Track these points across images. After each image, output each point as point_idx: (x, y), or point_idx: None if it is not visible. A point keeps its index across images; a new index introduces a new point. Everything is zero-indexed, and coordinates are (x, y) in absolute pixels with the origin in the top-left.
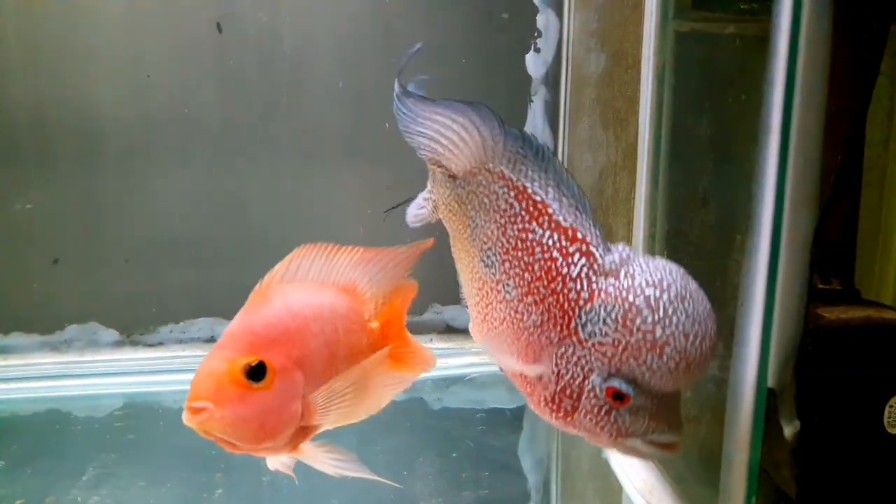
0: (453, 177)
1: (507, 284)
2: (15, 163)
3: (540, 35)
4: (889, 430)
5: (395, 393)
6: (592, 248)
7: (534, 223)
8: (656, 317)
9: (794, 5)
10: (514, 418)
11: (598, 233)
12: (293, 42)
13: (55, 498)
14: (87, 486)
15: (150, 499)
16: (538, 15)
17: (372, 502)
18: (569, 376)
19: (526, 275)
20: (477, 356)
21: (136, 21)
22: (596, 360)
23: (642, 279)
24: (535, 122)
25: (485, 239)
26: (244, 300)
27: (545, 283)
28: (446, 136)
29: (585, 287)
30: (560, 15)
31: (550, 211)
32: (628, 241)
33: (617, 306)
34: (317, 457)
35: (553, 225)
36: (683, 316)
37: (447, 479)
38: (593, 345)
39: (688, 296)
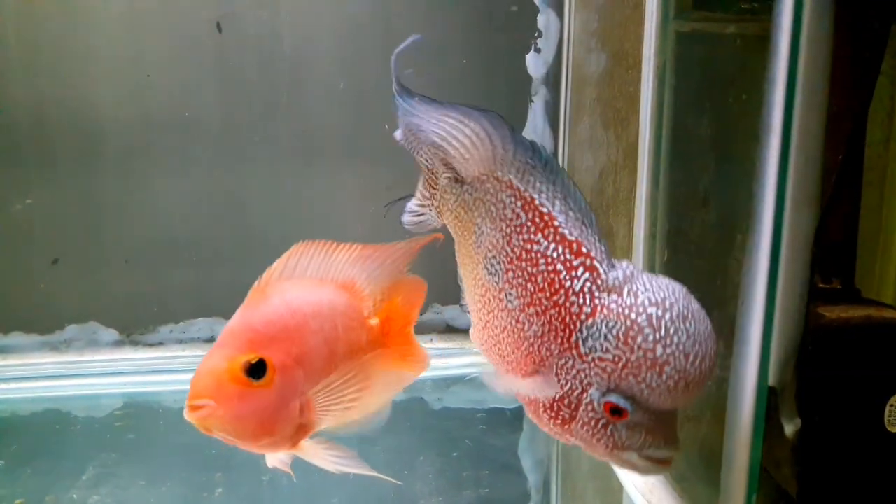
0: (461, 182)
1: (510, 293)
2: (15, 162)
3: (540, 35)
4: (889, 428)
5: (395, 391)
6: (596, 264)
7: (539, 234)
8: (657, 335)
9: (795, 5)
10: (515, 418)
11: (603, 248)
12: (293, 42)
13: (55, 497)
14: (87, 485)
15: (150, 498)
16: (539, 15)
17: (372, 501)
18: (567, 387)
19: (529, 285)
20: (477, 356)
21: (136, 21)
22: (595, 374)
23: (645, 297)
24: (536, 122)
25: (490, 247)
26: (244, 300)
27: (548, 294)
28: (458, 138)
29: (588, 302)
30: (560, 15)
31: (556, 223)
32: (629, 240)
33: (619, 323)
34: (317, 454)
35: (558, 237)
36: (685, 336)
37: (447, 479)
38: (593, 359)
39: (690, 316)
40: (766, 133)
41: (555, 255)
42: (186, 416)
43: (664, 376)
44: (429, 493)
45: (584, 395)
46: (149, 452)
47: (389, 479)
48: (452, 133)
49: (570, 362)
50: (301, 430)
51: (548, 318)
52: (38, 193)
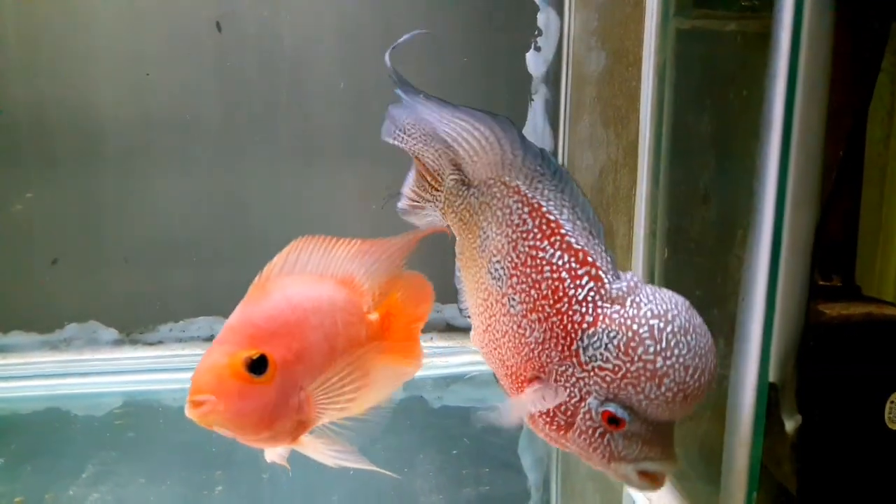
0: (467, 185)
1: (513, 299)
2: (14, 162)
3: (540, 33)
4: (890, 425)
5: (394, 386)
6: (601, 273)
7: (545, 241)
8: (658, 347)
9: (796, 2)
10: None
11: (608, 258)
12: (293, 42)
13: (54, 495)
14: (87, 483)
15: (149, 496)
16: (539, 13)
17: (372, 498)
18: (566, 394)
19: (532, 291)
20: (477, 354)
21: (136, 21)
22: (595, 383)
23: (648, 309)
24: (536, 121)
25: (494, 251)
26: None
27: (551, 301)
28: (468, 140)
29: (590, 311)
30: (561, 13)
31: (563, 231)
32: (629, 238)
33: (620, 334)
34: (317, 449)
35: (564, 245)
36: (685, 349)
37: (448, 477)
38: (593, 368)
39: (691, 329)
40: (767, 130)
41: (560, 262)
42: (187, 411)
43: (663, 388)
44: (429, 491)
45: (583, 404)
46: (148, 451)
47: (388, 473)
48: (462, 135)
49: (570, 370)
50: (301, 425)
51: (550, 325)
52: (38, 192)
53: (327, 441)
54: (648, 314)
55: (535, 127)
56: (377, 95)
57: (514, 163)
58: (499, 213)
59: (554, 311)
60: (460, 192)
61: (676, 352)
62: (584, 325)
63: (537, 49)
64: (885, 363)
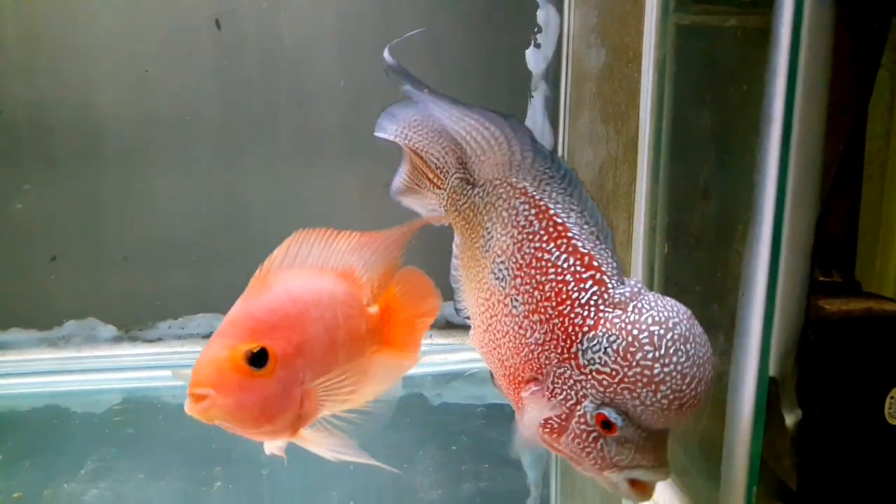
0: (472, 184)
1: (516, 299)
2: (14, 160)
3: (540, 30)
4: (890, 421)
5: (393, 379)
6: (606, 278)
7: (552, 244)
8: (657, 354)
9: None
10: (514, 414)
11: (614, 264)
12: (293, 40)
13: (53, 490)
14: (86, 479)
15: (149, 492)
16: (538, 10)
17: (371, 494)
18: (562, 397)
19: (536, 293)
20: (476, 352)
21: (135, 19)
22: (591, 387)
23: (649, 315)
24: (536, 118)
25: (499, 252)
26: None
27: (553, 303)
28: (476, 139)
29: (592, 314)
30: (560, 10)
31: (570, 234)
32: (629, 234)
33: (620, 338)
34: (316, 442)
35: (571, 249)
36: (684, 357)
37: (447, 473)
38: (591, 372)
39: (691, 338)
40: (767, 125)
41: (565, 265)
42: (187, 408)
43: (659, 394)
44: (428, 487)
45: (578, 407)
46: (148, 447)
47: (388, 467)
48: (472, 133)
49: (568, 372)
50: (301, 418)
51: (551, 326)
52: (38, 190)
53: (327, 434)
54: (649, 320)
55: (535, 124)
56: (377, 94)
57: (523, 164)
58: (504, 213)
59: (556, 312)
60: (464, 191)
61: (675, 359)
62: (585, 329)
63: (537, 46)
64: (885, 358)
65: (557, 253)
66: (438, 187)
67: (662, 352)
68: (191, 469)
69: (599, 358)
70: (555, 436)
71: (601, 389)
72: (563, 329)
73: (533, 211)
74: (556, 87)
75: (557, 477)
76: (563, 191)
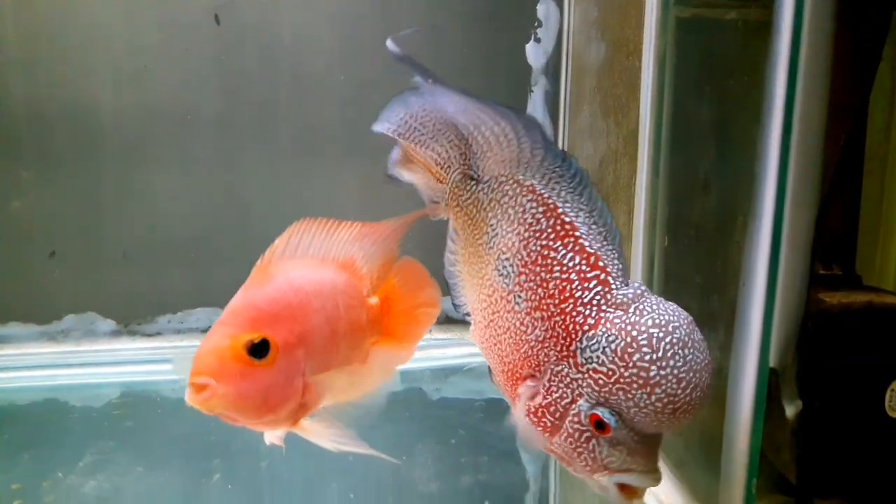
0: (476, 180)
1: (519, 296)
2: (13, 156)
3: (540, 25)
4: (890, 413)
5: (393, 367)
6: (610, 279)
7: (558, 242)
8: (654, 356)
9: None
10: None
11: (619, 265)
12: (292, 34)
13: (52, 483)
14: (84, 471)
15: (147, 485)
16: (538, 5)
17: (371, 487)
18: (557, 395)
19: (539, 290)
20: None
21: (134, 13)
22: (587, 385)
23: (650, 318)
24: (535, 112)
25: (504, 249)
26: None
27: (556, 301)
28: (484, 134)
29: (594, 314)
30: (560, 5)
31: (578, 234)
32: (629, 227)
33: (619, 338)
34: (317, 432)
35: (577, 248)
36: (681, 362)
37: (446, 466)
38: (588, 371)
39: (690, 343)
40: (768, 118)
41: (571, 264)
42: (188, 398)
43: (653, 397)
44: (427, 479)
45: (573, 406)
46: (146, 440)
47: (387, 457)
48: (480, 128)
49: (566, 370)
50: (302, 408)
51: (552, 324)
52: (37, 185)
53: (327, 425)
54: (649, 322)
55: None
56: (378, 88)
57: (532, 162)
58: (510, 211)
59: (558, 310)
60: (468, 187)
61: (672, 363)
62: (586, 328)
63: (537, 40)
64: (886, 351)
65: (564, 251)
66: (440, 181)
67: (660, 354)
68: (190, 462)
69: (597, 357)
70: (548, 434)
71: (596, 389)
72: (563, 327)
73: (541, 209)
74: (556, 81)
75: (556, 470)
76: (572, 190)
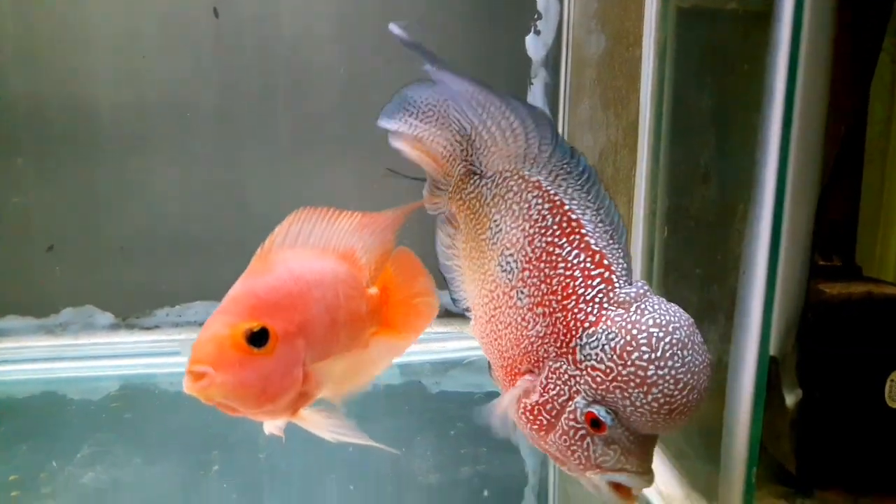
0: (480, 175)
1: (522, 292)
2: (12, 150)
3: (540, 17)
4: (890, 404)
5: (392, 357)
6: (614, 277)
7: (564, 239)
8: (653, 356)
9: None
10: None
11: (624, 264)
12: (291, 27)
13: (49, 474)
14: (82, 463)
15: (146, 476)
16: None
17: (370, 478)
18: (555, 391)
19: (542, 286)
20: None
21: (132, 7)
22: (585, 383)
23: (650, 317)
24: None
25: (508, 244)
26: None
27: (559, 297)
28: (490, 129)
29: (595, 311)
30: None
31: (584, 231)
32: (628, 218)
33: (618, 336)
34: (316, 422)
35: (583, 245)
36: (679, 363)
37: (445, 457)
38: (586, 368)
39: (690, 345)
40: (769, 107)
41: (576, 261)
42: (186, 386)
43: (650, 397)
44: (426, 471)
45: (570, 403)
46: (145, 432)
47: (387, 447)
48: (487, 122)
49: (564, 367)
50: (302, 397)
51: (553, 320)
52: (35, 179)
53: (327, 415)
54: (650, 322)
55: None
56: (377, 81)
57: (539, 158)
58: (515, 207)
59: (560, 307)
60: (472, 181)
61: (670, 364)
62: (587, 325)
63: (537, 33)
64: (886, 342)
65: (569, 248)
66: (447, 174)
67: (658, 354)
68: (188, 454)
69: (596, 354)
70: (543, 432)
71: (594, 386)
72: (564, 323)
73: (547, 205)
74: (555, 73)
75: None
76: (579, 187)
